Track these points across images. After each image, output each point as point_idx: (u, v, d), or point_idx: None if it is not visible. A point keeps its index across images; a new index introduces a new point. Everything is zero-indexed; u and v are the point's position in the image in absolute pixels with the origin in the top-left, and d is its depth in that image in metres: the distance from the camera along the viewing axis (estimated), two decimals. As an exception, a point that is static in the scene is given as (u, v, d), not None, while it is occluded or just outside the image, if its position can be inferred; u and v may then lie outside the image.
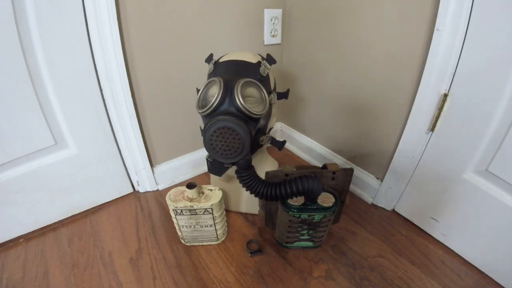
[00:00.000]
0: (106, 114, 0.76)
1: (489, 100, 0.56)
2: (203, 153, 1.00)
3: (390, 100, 0.74)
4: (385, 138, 0.79)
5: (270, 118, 0.66)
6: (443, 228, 0.73)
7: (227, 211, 0.82)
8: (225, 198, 0.80)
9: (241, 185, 0.59)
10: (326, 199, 0.61)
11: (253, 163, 0.59)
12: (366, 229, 0.78)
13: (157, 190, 0.94)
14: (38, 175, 0.72)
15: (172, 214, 0.65)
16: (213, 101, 0.53)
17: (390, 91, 0.73)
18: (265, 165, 0.76)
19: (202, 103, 0.58)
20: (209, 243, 0.73)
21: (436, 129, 0.66)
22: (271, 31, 0.95)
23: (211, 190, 0.67)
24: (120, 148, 0.83)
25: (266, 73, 0.60)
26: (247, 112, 0.53)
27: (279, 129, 1.22)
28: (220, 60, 0.62)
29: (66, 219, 0.82)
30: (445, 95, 0.61)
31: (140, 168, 0.87)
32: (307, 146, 1.09)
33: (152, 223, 0.80)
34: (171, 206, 0.63)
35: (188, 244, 0.73)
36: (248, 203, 0.79)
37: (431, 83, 0.62)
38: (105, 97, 0.73)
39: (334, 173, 0.63)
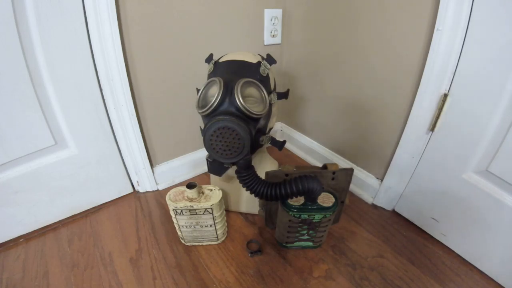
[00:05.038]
0: (106, 114, 0.76)
1: (489, 100, 0.56)
2: (203, 153, 1.00)
3: (390, 100, 0.74)
4: (385, 138, 0.79)
5: (270, 118, 0.66)
6: (443, 228, 0.73)
7: (227, 211, 0.82)
8: (225, 198, 0.80)
9: (241, 185, 0.58)
10: (326, 199, 0.61)
11: (253, 163, 0.59)
12: (366, 229, 0.78)
13: (157, 190, 0.94)
14: (38, 175, 0.72)
15: (172, 214, 0.65)
16: (213, 101, 0.53)
17: (390, 91, 0.73)
18: (265, 165, 0.76)
19: (202, 103, 0.58)
20: (209, 243, 0.73)
21: (436, 129, 0.66)
22: (271, 31, 0.95)
23: (211, 190, 0.67)
24: (120, 148, 0.83)
25: (266, 73, 0.60)
26: (247, 112, 0.53)
27: (279, 129, 1.22)
28: (220, 60, 0.62)
29: (66, 219, 0.82)
30: (445, 95, 0.61)
31: (140, 168, 0.87)
32: (307, 146, 1.09)
33: (152, 223, 0.80)
34: (171, 206, 0.63)
35: (188, 244, 0.73)
36: (248, 203, 0.79)
37: (431, 83, 0.62)
38: (105, 97, 0.73)
39: (334, 173, 0.63)
